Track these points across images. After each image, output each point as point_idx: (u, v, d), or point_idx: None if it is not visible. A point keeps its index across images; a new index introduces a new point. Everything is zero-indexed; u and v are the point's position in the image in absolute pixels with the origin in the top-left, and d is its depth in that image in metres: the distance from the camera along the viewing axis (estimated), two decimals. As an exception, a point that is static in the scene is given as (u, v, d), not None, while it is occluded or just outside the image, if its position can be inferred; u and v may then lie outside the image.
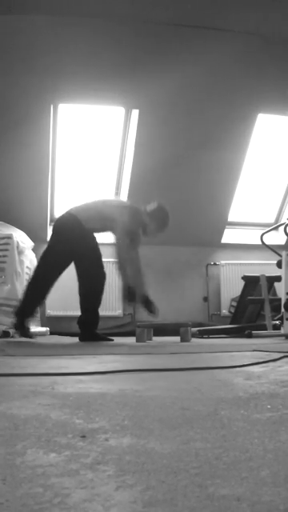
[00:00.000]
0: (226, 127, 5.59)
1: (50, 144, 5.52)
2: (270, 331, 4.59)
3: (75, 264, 4.16)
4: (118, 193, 6.19)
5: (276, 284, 5.41)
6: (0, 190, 5.61)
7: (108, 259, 6.14)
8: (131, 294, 3.95)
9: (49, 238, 4.27)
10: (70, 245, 4.00)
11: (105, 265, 5.92)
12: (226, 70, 5.21)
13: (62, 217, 4.13)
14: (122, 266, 3.96)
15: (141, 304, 4.05)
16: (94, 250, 4.17)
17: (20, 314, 4.07)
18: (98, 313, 4.17)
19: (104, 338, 4.13)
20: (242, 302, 5.40)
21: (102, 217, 4.01)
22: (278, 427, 0.79)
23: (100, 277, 4.17)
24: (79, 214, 4.01)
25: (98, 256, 4.21)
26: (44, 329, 5.32)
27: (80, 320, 4.20)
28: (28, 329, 4.11)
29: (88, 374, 1.55)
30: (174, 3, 4.48)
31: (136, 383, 1.33)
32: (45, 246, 5.94)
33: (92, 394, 1.13)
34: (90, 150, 6.13)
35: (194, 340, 4.16)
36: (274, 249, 5.03)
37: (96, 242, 4.18)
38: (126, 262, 3.94)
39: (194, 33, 4.85)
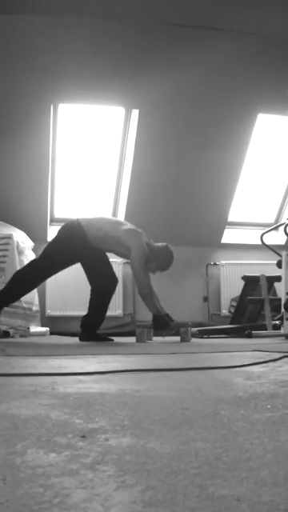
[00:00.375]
0: (226, 127, 5.59)
1: (50, 144, 5.52)
2: (270, 331, 4.59)
3: (84, 269, 4.18)
4: (117, 192, 6.19)
5: (276, 284, 5.41)
6: (0, 190, 5.61)
7: (111, 259, 6.14)
8: (160, 322, 3.94)
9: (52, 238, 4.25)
10: (70, 248, 3.99)
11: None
12: (226, 70, 5.21)
13: (71, 222, 4.11)
14: (145, 295, 3.97)
15: (165, 329, 4.03)
16: (100, 258, 4.15)
17: None
18: (102, 316, 4.17)
19: (104, 338, 4.13)
20: (242, 302, 5.40)
21: (110, 240, 3.98)
22: (278, 427, 0.79)
23: (108, 282, 4.16)
24: (87, 229, 3.98)
25: (106, 263, 4.19)
26: (44, 329, 5.32)
27: (83, 320, 4.21)
28: None
29: (88, 373, 1.55)
30: (174, 3, 4.48)
31: (136, 383, 1.33)
32: (44, 246, 5.95)
33: (92, 394, 1.13)
34: (90, 150, 6.13)
35: (193, 340, 4.16)
36: (274, 249, 5.03)
37: (103, 252, 4.15)
38: (144, 287, 3.95)
39: (194, 33, 4.85)
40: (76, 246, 3.97)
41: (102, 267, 4.18)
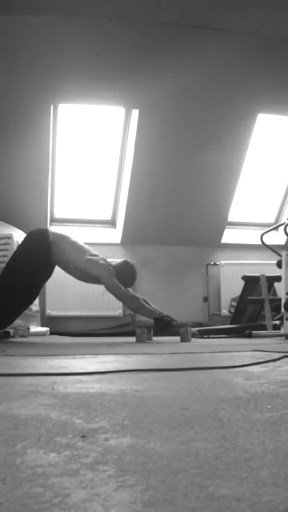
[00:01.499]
0: (226, 127, 5.59)
1: (50, 144, 5.52)
2: (270, 331, 4.59)
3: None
4: (117, 193, 6.19)
5: (276, 284, 5.41)
6: (0, 190, 5.61)
7: (111, 259, 6.14)
8: (162, 322, 3.96)
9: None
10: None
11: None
12: (226, 70, 5.21)
13: (38, 231, 4.07)
14: (136, 308, 4.01)
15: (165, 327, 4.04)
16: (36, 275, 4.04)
17: None
18: None
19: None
20: (242, 302, 5.40)
21: (78, 269, 3.97)
22: (278, 427, 0.79)
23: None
24: (54, 244, 3.95)
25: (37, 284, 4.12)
26: (44, 329, 5.32)
27: None
28: None
29: (88, 373, 1.55)
30: (174, 3, 4.48)
31: (136, 383, 1.33)
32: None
33: (92, 394, 1.13)
34: (90, 150, 6.13)
35: (194, 340, 4.16)
36: (274, 249, 5.03)
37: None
38: (130, 302, 3.98)
39: (194, 33, 4.85)
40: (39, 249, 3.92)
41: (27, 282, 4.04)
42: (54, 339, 4.52)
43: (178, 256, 6.42)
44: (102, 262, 4.00)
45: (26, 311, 5.06)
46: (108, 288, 3.97)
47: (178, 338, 4.06)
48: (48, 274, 4.12)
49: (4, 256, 4.86)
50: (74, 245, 4.08)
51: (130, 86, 5.23)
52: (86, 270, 3.95)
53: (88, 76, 5.06)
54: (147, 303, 4.14)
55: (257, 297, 5.11)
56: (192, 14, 4.63)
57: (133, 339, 4.11)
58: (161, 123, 5.52)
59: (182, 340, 3.98)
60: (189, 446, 0.68)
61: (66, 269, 4.07)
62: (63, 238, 4.07)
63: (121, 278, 4.04)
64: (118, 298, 4.02)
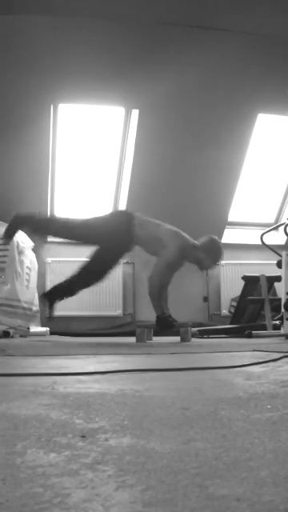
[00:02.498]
0: (226, 127, 5.59)
1: (50, 144, 5.52)
2: (270, 331, 4.59)
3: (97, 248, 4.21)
4: (117, 193, 6.19)
5: (276, 284, 5.40)
6: (0, 190, 5.61)
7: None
8: (163, 322, 3.98)
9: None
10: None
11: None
12: (226, 70, 5.21)
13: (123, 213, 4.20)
14: (152, 295, 4.03)
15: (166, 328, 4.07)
16: (113, 256, 4.20)
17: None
18: (65, 290, 4.34)
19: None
20: (241, 302, 5.40)
21: (154, 239, 4.02)
22: (278, 427, 0.79)
23: (94, 278, 4.20)
24: (138, 224, 4.02)
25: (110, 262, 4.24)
26: (44, 329, 5.32)
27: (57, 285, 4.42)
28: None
29: (88, 373, 1.55)
30: (174, 3, 4.48)
31: (136, 383, 1.33)
32: (45, 246, 5.95)
33: (92, 394, 1.13)
34: (90, 150, 6.13)
35: (194, 340, 4.16)
36: (274, 249, 5.03)
37: (121, 253, 4.21)
38: (155, 287, 4.02)
39: (194, 33, 4.85)
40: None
41: (105, 265, 4.19)
42: (54, 339, 4.52)
43: (178, 256, 6.40)
44: (180, 241, 3.99)
45: (27, 311, 5.06)
46: (160, 261, 3.97)
47: (178, 338, 4.06)
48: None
49: (4, 256, 4.86)
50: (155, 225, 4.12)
51: (129, 86, 5.23)
52: (163, 240, 3.95)
53: (88, 76, 5.06)
54: (166, 300, 4.17)
55: (257, 297, 5.11)
56: (192, 13, 4.63)
57: (133, 339, 4.11)
58: (161, 123, 5.52)
59: (182, 340, 3.98)
60: (189, 445, 0.68)
61: (152, 250, 4.07)
62: (148, 222, 4.10)
63: (210, 256, 4.08)
64: (153, 273, 4.01)
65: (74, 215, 6.33)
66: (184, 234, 4.08)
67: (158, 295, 4.02)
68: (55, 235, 4.45)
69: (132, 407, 0.97)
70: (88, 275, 4.23)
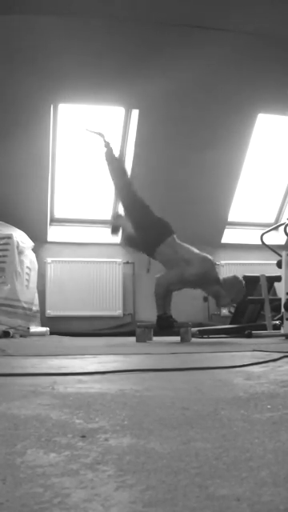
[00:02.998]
0: (226, 127, 5.59)
1: (50, 144, 5.52)
2: (270, 331, 4.59)
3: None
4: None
5: (276, 284, 5.40)
6: (0, 190, 5.61)
7: (111, 259, 6.14)
8: (164, 322, 3.99)
9: None
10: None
11: (103, 265, 5.95)
12: (226, 70, 5.21)
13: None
14: (157, 294, 4.07)
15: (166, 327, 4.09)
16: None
17: None
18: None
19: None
20: (242, 301, 5.40)
21: (180, 260, 4.09)
22: (278, 427, 0.79)
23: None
24: (168, 243, 4.15)
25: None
26: (44, 329, 5.32)
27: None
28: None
29: (88, 373, 1.55)
30: (174, 3, 4.48)
31: (136, 383, 1.33)
32: (45, 246, 5.95)
33: (92, 394, 1.13)
34: (90, 150, 6.13)
35: (194, 340, 4.16)
36: (274, 249, 5.03)
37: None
38: (161, 286, 4.06)
39: (194, 33, 4.85)
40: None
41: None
42: (54, 339, 4.52)
43: (178, 256, 6.40)
44: (208, 265, 4.07)
45: (27, 311, 5.06)
46: (175, 272, 4.04)
47: (178, 338, 4.06)
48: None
49: (4, 256, 4.87)
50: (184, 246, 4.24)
51: (129, 86, 5.23)
52: (193, 258, 4.06)
53: (88, 76, 5.06)
54: (169, 302, 4.21)
55: (257, 297, 5.11)
56: (192, 14, 4.63)
57: (133, 339, 4.11)
58: (161, 123, 5.52)
59: (182, 340, 3.98)
60: (189, 445, 0.68)
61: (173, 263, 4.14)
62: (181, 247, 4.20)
63: (230, 293, 4.11)
64: (163, 276, 4.10)
65: (75, 215, 6.35)
66: (214, 265, 4.14)
67: (163, 295, 4.03)
68: (121, 189, 4.39)
69: (132, 407, 0.97)
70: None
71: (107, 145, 4.33)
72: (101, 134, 4.39)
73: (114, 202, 6.27)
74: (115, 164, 4.34)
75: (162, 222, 4.23)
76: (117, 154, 4.43)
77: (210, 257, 4.15)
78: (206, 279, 4.04)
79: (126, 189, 4.30)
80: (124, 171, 4.42)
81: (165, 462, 0.60)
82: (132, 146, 5.66)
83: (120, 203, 4.50)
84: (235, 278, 4.19)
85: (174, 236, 4.20)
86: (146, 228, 4.19)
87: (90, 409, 0.95)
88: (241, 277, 4.26)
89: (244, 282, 4.21)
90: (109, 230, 6.02)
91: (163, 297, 4.05)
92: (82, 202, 6.33)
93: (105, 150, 4.32)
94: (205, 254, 4.15)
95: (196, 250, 4.17)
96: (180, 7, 4.52)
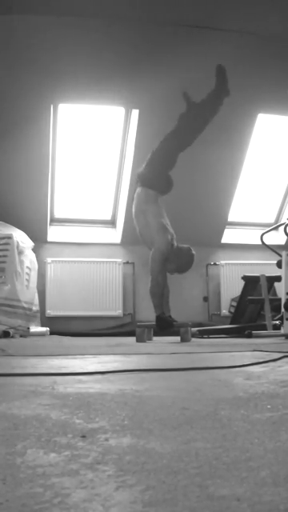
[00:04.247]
0: (226, 127, 5.59)
1: (50, 144, 5.52)
2: (270, 331, 4.59)
3: None
4: (117, 192, 6.19)
5: (276, 284, 5.41)
6: (0, 190, 5.61)
7: (111, 259, 6.14)
8: (163, 322, 3.99)
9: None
10: None
11: (103, 265, 5.95)
12: (226, 70, 5.20)
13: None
14: (153, 294, 4.08)
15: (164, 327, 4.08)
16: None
17: None
18: None
19: None
20: (241, 302, 5.40)
21: (144, 209, 4.18)
22: (278, 427, 0.79)
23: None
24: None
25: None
26: (44, 329, 5.32)
27: None
28: None
29: (88, 373, 1.55)
30: (174, 3, 4.48)
31: (136, 383, 1.33)
32: (45, 246, 5.96)
33: (92, 394, 1.13)
34: (90, 150, 6.13)
35: (194, 340, 4.16)
36: (274, 249, 5.02)
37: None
38: (155, 285, 4.06)
39: (194, 33, 4.85)
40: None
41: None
42: (54, 339, 4.52)
43: (178, 256, 6.40)
44: (168, 235, 4.09)
45: (27, 311, 5.06)
46: (152, 258, 4.06)
47: (178, 338, 4.06)
48: None
49: (4, 256, 4.87)
50: (160, 209, 4.25)
51: (129, 86, 5.23)
52: (154, 229, 4.10)
53: (88, 76, 5.06)
54: (167, 300, 4.21)
55: (257, 297, 5.11)
56: (192, 14, 4.63)
57: (133, 339, 4.11)
58: (161, 123, 5.51)
59: (182, 340, 3.98)
60: (189, 446, 0.68)
61: (139, 219, 4.22)
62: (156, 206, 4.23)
63: (177, 262, 4.13)
64: (151, 272, 4.09)
65: (75, 215, 6.35)
66: (171, 231, 4.15)
67: (160, 294, 4.03)
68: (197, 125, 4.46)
69: (132, 407, 0.97)
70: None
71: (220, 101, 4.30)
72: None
73: (114, 202, 6.27)
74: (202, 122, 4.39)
75: (166, 179, 4.29)
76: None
77: (167, 223, 4.19)
78: (170, 242, 4.09)
79: (178, 146, 4.36)
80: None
81: (165, 462, 0.60)
82: (132, 146, 5.66)
83: (169, 139, 4.45)
84: (188, 248, 4.22)
85: (159, 196, 4.25)
86: (154, 169, 4.24)
87: (90, 409, 0.95)
88: (193, 253, 4.26)
89: (194, 256, 4.22)
90: (109, 230, 6.04)
91: (160, 295, 4.04)
92: (82, 202, 6.33)
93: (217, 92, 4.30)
94: (162, 222, 4.16)
95: (161, 218, 4.18)
96: (180, 7, 4.52)
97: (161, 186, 4.23)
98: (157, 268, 4.02)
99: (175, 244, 4.17)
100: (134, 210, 4.28)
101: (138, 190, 4.24)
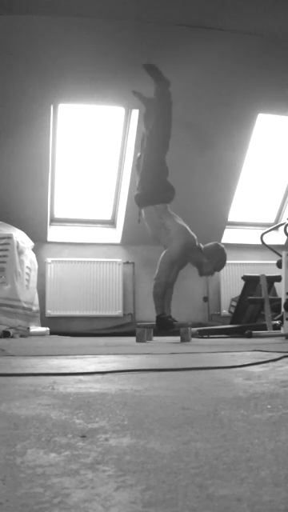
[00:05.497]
0: (226, 127, 5.59)
1: (50, 144, 5.52)
2: (270, 331, 4.59)
3: None
4: (117, 192, 6.19)
5: (276, 284, 5.41)
6: (0, 190, 5.61)
7: (111, 259, 6.14)
8: (163, 322, 3.99)
9: None
10: None
11: (103, 265, 5.95)
12: (226, 70, 5.21)
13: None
14: (155, 294, 4.06)
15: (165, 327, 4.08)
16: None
17: None
18: None
19: None
20: (241, 302, 5.40)
21: (159, 223, 4.10)
22: (278, 427, 0.79)
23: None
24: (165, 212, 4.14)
25: None
26: (44, 329, 5.32)
27: None
28: None
29: (88, 373, 1.55)
30: (174, 3, 4.48)
31: (136, 383, 1.33)
32: (45, 246, 5.96)
33: (92, 394, 1.13)
34: (90, 150, 6.13)
35: (194, 340, 4.16)
36: (273, 249, 5.03)
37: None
38: (158, 286, 4.05)
39: (194, 33, 4.85)
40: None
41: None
42: (54, 339, 4.52)
43: (178, 256, 6.40)
44: (189, 237, 4.06)
45: (27, 311, 5.06)
46: (163, 258, 4.03)
47: (178, 338, 4.06)
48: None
49: (4, 256, 4.86)
50: (175, 217, 4.21)
51: (129, 86, 5.22)
52: (174, 233, 4.05)
53: (88, 76, 5.06)
54: (169, 301, 4.20)
55: (257, 297, 5.11)
56: (192, 13, 4.63)
57: (133, 339, 4.11)
58: (161, 123, 5.51)
59: (182, 340, 3.98)
60: (189, 446, 0.68)
61: (161, 234, 4.14)
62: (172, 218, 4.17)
63: (212, 262, 4.13)
64: (158, 271, 4.06)
65: (75, 215, 6.35)
66: (191, 233, 4.10)
67: (162, 294, 4.02)
68: (162, 121, 4.24)
69: (132, 407, 0.97)
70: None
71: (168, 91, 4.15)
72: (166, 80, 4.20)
73: (114, 202, 6.27)
74: (168, 116, 4.20)
75: (167, 188, 4.22)
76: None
77: (184, 225, 4.14)
78: (190, 247, 4.06)
79: (160, 149, 4.23)
80: (169, 130, 4.28)
81: (165, 462, 0.60)
82: (132, 146, 5.66)
83: (146, 159, 4.31)
84: (216, 245, 4.21)
85: (167, 206, 4.19)
86: (149, 187, 4.17)
87: (90, 409, 0.95)
88: (223, 246, 4.26)
89: (225, 251, 4.21)
90: (109, 230, 6.03)
91: (161, 296, 4.04)
92: (82, 202, 6.33)
93: (160, 90, 4.15)
94: (181, 224, 4.13)
95: (179, 221, 4.15)
96: (180, 7, 4.52)
97: (165, 196, 4.18)
98: (164, 269, 4.01)
99: (201, 246, 4.13)
100: (150, 229, 4.18)
101: (146, 209, 4.17)
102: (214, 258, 4.12)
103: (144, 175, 4.22)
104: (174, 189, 4.21)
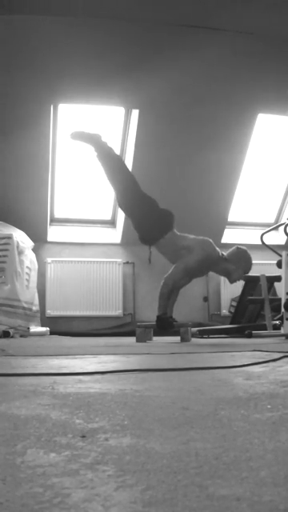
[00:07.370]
0: (226, 127, 5.59)
1: (50, 144, 5.52)
2: (270, 331, 4.59)
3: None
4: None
5: (276, 284, 5.41)
6: (0, 190, 5.61)
7: (111, 259, 6.14)
8: (163, 322, 3.99)
9: None
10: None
11: (103, 265, 5.96)
12: (226, 70, 5.21)
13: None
14: (161, 294, 4.05)
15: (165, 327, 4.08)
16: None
17: None
18: None
19: None
20: (241, 302, 5.40)
21: (180, 249, 4.08)
22: (278, 427, 0.79)
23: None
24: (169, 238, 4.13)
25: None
26: (44, 329, 5.32)
27: None
28: None
29: (88, 373, 1.55)
30: (173, 3, 4.48)
31: (136, 383, 1.33)
32: (45, 246, 5.96)
33: (92, 394, 1.13)
34: (90, 150, 6.12)
35: (194, 340, 4.16)
36: (274, 249, 5.03)
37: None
38: (165, 286, 4.04)
39: (194, 33, 4.85)
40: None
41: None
42: (54, 339, 4.52)
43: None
44: (209, 250, 4.05)
45: (27, 311, 5.06)
46: (182, 264, 4.02)
47: (178, 338, 4.06)
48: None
49: (4, 256, 4.87)
50: (187, 236, 4.20)
51: (129, 86, 5.23)
52: (193, 246, 4.04)
53: (88, 76, 5.06)
54: (173, 303, 4.21)
55: (257, 297, 5.11)
56: (192, 14, 4.63)
57: (133, 339, 4.11)
58: (161, 123, 5.52)
59: (182, 340, 3.98)
60: (189, 446, 0.68)
61: (182, 255, 4.11)
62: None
63: (240, 266, 4.11)
64: (171, 272, 4.07)
65: (75, 215, 6.35)
66: (214, 245, 4.09)
67: (167, 295, 4.02)
68: (125, 190, 4.24)
69: (132, 407, 0.97)
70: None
71: (102, 144, 4.15)
72: (95, 136, 4.17)
73: (114, 202, 6.27)
74: (114, 163, 4.22)
75: (164, 216, 4.18)
76: (114, 152, 4.25)
77: (206, 238, 4.14)
78: (211, 261, 4.04)
79: (131, 188, 4.18)
80: (126, 169, 4.30)
81: (165, 462, 0.60)
82: (132, 146, 5.66)
83: (123, 205, 4.29)
84: (238, 249, 4.18)
85: (174, 230, 4.18)
86: (148, 225, 4.15)
87: (90, 409, 0.95)
88: (245, 249, 4.24)
89: (248, 252, 4.20)
90: (109, 230, 6.02)
91: (167, 297, 4.04)
92: (82, 202, 6.33)
93: (96, 153, 4.17)
94: (201, 238, 4.14)
95: (192, 236, 4.16)
96: (180, 7, 4.52)
97: (167, 224, 4.14)
98: (175, 273, 4.01)
99: (224, 255, 4.14)
100: (170, 258, 4.17)
101: (157, 245, 4.16)
102: (240, 263, 4.12)
103: (132, 216, 4.20)
104: (171, 213, 4.16)
